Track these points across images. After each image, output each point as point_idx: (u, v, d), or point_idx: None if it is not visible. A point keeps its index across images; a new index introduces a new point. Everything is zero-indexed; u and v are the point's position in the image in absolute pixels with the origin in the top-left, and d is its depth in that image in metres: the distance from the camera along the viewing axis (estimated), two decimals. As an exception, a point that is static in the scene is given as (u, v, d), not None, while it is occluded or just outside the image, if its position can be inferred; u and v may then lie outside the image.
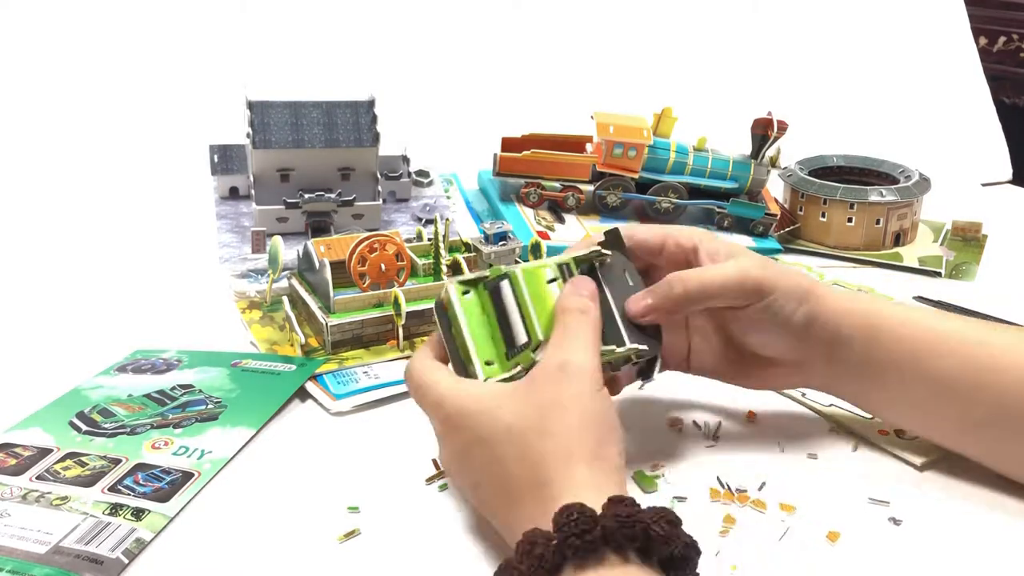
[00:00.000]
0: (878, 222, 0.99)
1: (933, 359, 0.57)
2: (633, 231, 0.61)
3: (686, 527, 0.45)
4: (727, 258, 0.59)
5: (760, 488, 0.59)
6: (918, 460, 0.61)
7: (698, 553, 0.44)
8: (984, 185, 1.30)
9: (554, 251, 0.90)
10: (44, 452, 0.62)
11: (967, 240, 0.97)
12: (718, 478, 0.60)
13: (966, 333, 0.58)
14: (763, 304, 0.58)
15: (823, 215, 1.00)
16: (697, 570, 0.45)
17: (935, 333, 0.58)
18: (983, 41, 1.94)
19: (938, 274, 0.95)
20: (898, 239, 1.00)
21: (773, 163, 1.02)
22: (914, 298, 0.88)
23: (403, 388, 0.69)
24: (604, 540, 0.42)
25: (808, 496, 0.58)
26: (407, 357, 0.74)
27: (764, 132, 0.99)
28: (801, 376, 0.62)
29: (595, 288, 0.56)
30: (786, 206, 1.05)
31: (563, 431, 0.48)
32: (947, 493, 0.58)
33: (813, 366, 0.60)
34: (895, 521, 0.56)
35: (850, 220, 0.99)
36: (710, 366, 0.64)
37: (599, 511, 0.43)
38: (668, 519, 0.44)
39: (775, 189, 1.07)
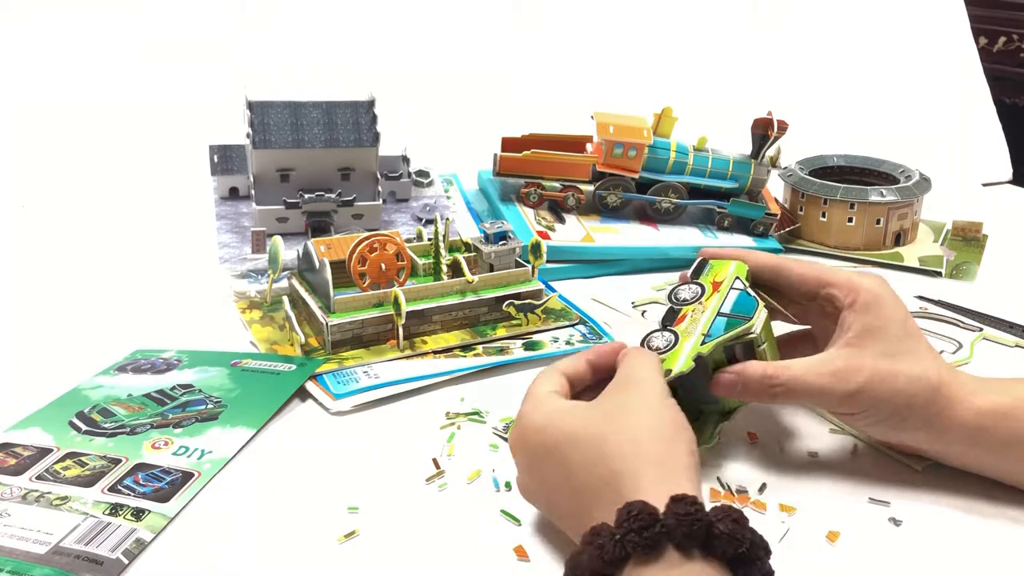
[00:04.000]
0: (878, 222, 0.99)
1: None
2: (789, 270, 0.62)
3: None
4: (854, 345, 0.57)
5: (761, 489, 0.59)
6: (918, 462, 0.61)
7: (767, 552, 0.44)
8: (984, 185, 1.30)
9: (554, 251, 0.91)
10: (44, 452, 0.61)
11: (967, 240, 0.97)
12: (718, 479, 0.60)
13: None
14: (860, 411, 0.57)
15: (823, 215, 1.00)
16: (769, 570, 0.44)
17: None
18: (983, 41, 1.94)
19: (938, 274, 0.95)
20: (898, 239, 1.00)
21: (773, 163, 1.01)
22: (915, 297, 0.88)
23: (403, 388, 0.70)
24: (666, 536, 0.43)
25: (808, 496, 0.58)
26: (407, 357, 0.74)
27: (764, 132, 0.99)
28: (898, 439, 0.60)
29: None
30: (786, 206, 1.05)
31: (631, 434, 0.49)
32: (947, 493, 0.58)
33: (918, 445, 0.59)
34: (895, 521, 0.56)
35: (850, 220, 0.99)
36: None
37: (662, 509, 0.44)
38: (733, 517, 0.44)
39: (775, 189, 1.07)
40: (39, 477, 0.59)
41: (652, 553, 0.43)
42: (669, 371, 0.56)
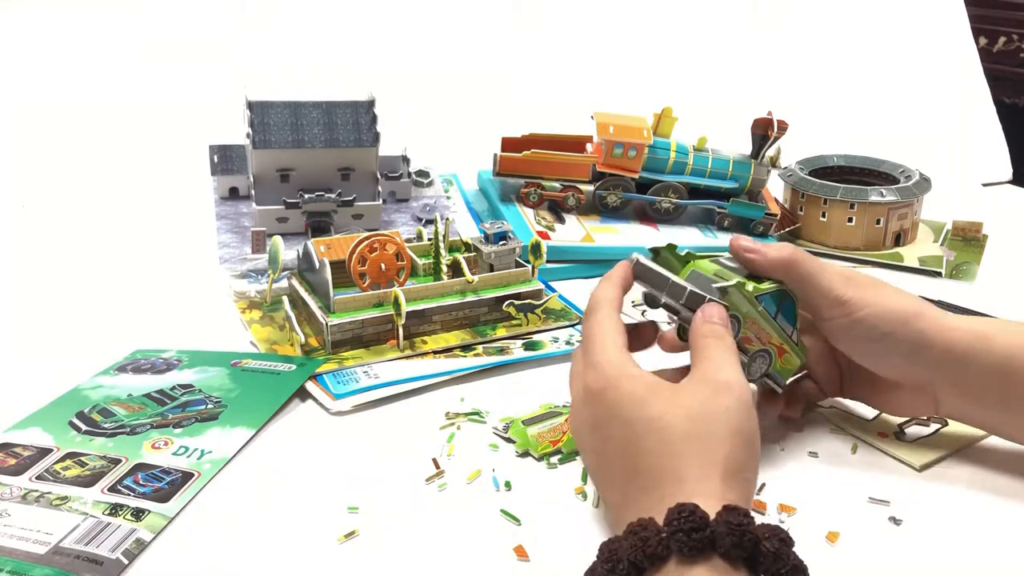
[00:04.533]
0: (878, 222, 0.99)
1: None
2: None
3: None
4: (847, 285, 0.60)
5: (760, 490, 0.59)
6: (917, 461, 0.61)
7: None
8: (984, 185, 1.30)
9: (554, 251, 0.91)
10: (44, 452, 0.61)
11: (967, 240, 0.97)
12: (718, 478, 0.60)
13: None
14: (849, 320, 0.59)
15: (823, 215, 1.00)
16: None
17: None
18: (983, 41, 1.94)
19: (938, 274, 0.95)
20: (898, 239, 1.00)
21: (773, 163, 1.02)
22: (914, 298, 0.88)
23: (403, 388, 0.70)
24: (712, 543, 0.43)
25: (808, 496, 0.58)
26: (407, 357, 0.74)
27: (764, 132, 0.99)
28: (926, 401, 0.61)
29: (726, 315, 0.56)
30: (786, 206, 1.05)
31: (710, 444, 0.49)
32: (947, 493, 0.58)
33: (937, 390, 0.60)
34: (895, 521, 0.56)
35: (850, 220, 0.99)
36: (857, 390, 0.65)
37: (713, 516, 0.44)
38: (780, 537, 0.44)
39: (775, 189, 1.07)
40: (39, 477, 0.59)
41: (698, 556, 0.43)
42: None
